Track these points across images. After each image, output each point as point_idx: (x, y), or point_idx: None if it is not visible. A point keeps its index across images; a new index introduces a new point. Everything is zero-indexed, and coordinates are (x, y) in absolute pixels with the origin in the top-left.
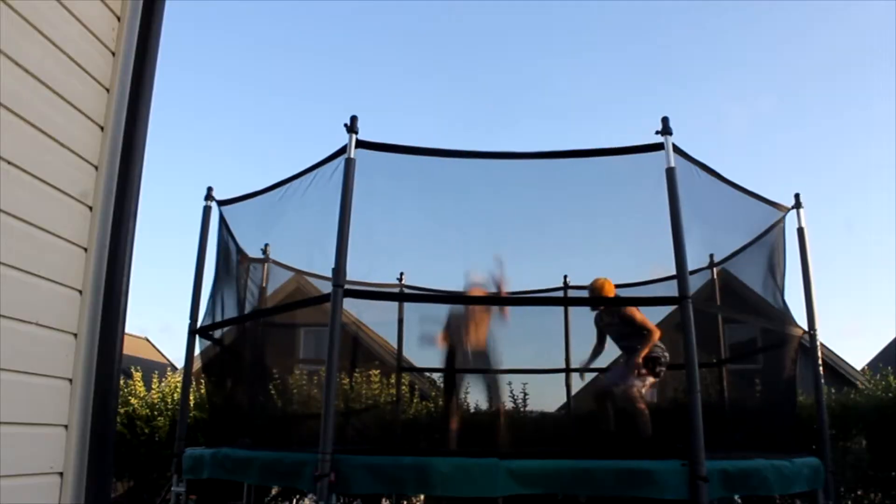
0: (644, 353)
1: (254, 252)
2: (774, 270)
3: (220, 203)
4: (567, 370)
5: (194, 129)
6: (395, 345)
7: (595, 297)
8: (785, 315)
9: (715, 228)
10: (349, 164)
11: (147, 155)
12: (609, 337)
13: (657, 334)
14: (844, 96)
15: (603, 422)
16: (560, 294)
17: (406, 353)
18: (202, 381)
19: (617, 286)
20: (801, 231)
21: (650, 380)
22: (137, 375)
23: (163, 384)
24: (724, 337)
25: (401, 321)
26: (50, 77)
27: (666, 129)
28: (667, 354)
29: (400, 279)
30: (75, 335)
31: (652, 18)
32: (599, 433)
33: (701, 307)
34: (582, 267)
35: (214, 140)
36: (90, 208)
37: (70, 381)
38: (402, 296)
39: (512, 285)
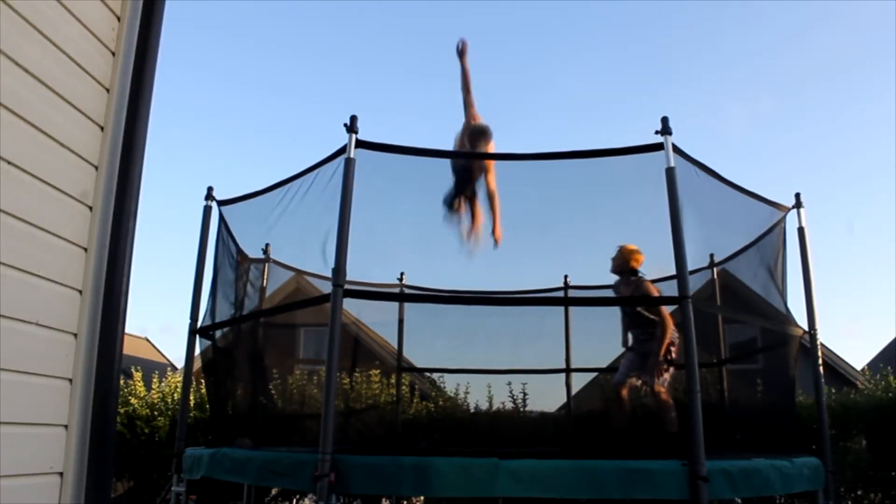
0: (663, 350)
1: (254, 252)
2: (775, 270)
3: (221, 203)
4: (567, 370)
5: (194, 129)
6: (395, 345)
7: (595, 298)
8: (785, 315)
9: (715, 228)
10: (349, 164)
11: (147, 155)
12: (622, 318)
13: (671, 324)
14: (844, 96)
15: (618, 419)
16: (560, 294)
17: (406, 353)
18: (202, 381)
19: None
20: (801, 231)
21: (671, 370)
22: (137, 375)
23: (163, 384)
24: (724, 337)
25: (401, 321)
26: (50, 77)
27: (666, 129)
28: (677, 333)
29: (400, 279)
30: (75, 335)
31: (652, 18)
32: (613, 431)
33: (701, 307)
34: (582, 267)
35: (215, 140)
36: (90, 208)
37: (70, 381)
38: (403, 296)
39: (512, 284)
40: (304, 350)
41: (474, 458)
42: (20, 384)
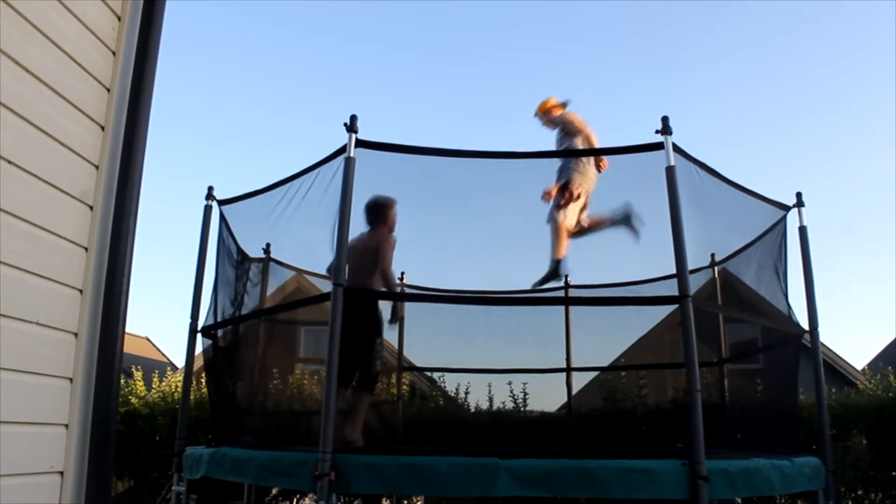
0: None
1: (254, 251)
2: (776, 269)
3: (221, 202)
4: (568, 370)
5: (196, 130)
6: (395, 344)
7: (595, 298)
8: (786, 315)
9: (716, 227)
10: (349, 163)
11: (148, 154)
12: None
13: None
14: (844, 96)
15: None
16: (561, 293)
17: (406, 353)
18: (202, 380)
19: (617, 285)
20: (802, 230)
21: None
22: (138, 375)
23: (163, 384)
24: (725, 336)
25: (401, 320)
26: (50, 77)
27: (666, 129)
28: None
29: (401, 278)
30: (76, 334)
31: (652, 19)
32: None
33: (701, 306)
34: (583, 266)
35: (217, 140)
36: (91, 207)
37: (70, 380)
38: (403, 295)
39: (513, 283)
40: (304, 349)
41: (475, 458)
42: (21, 383)
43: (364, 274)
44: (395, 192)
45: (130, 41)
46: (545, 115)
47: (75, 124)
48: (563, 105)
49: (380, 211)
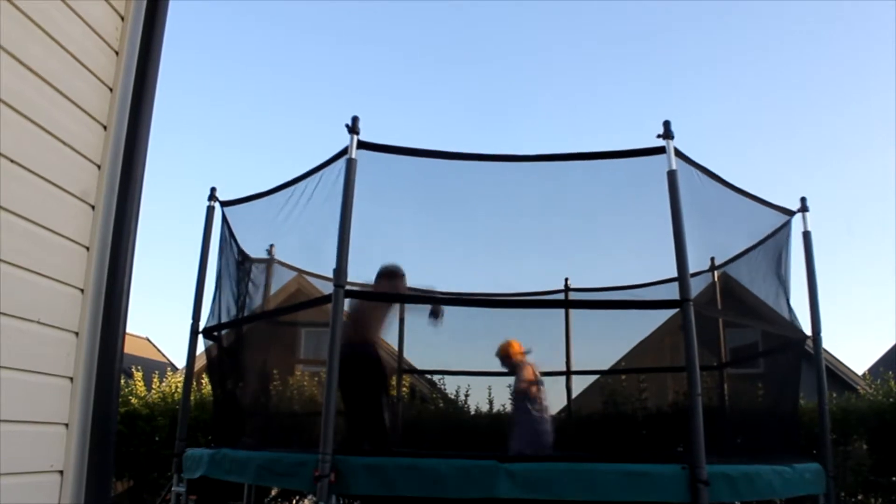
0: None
1: (256, 253)
2: (778, 274)
3: (224, 204)
4: (568, 373)
5: (198, 130)
6: (395, 345)
7: (595, 301)
8: (788, 319)
9: (717, 231)
10: (350, 164)
11: (149, 154)
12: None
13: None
14: (845, 97)
15: None
16: (561, 296)
17: (406, 355)
18: (203, 381)
19: (618, 288)
20: (806, 235)
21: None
22: (138, 375)
23: (163, 384)
24: (725, 340)
25: (401, 322)
26: (53, 76)
27: (667, 133)
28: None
29: None
30: (76, 334)
31: (653, 21)
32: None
33: (703, 310)
34: (583, 269)
35: (218, 140)
36: (92, 207)
37: (71, 379)
38: (403, 296)
39: (513, 286)
40: (304, 350)
41: (474, 460)
42: (21, 382)
43: (368, 329)
44: (396, 194)
45: (133, 41)
46: (505, 357)
47: (77, 123)
48: (524, 353)
49: (390, 279)
